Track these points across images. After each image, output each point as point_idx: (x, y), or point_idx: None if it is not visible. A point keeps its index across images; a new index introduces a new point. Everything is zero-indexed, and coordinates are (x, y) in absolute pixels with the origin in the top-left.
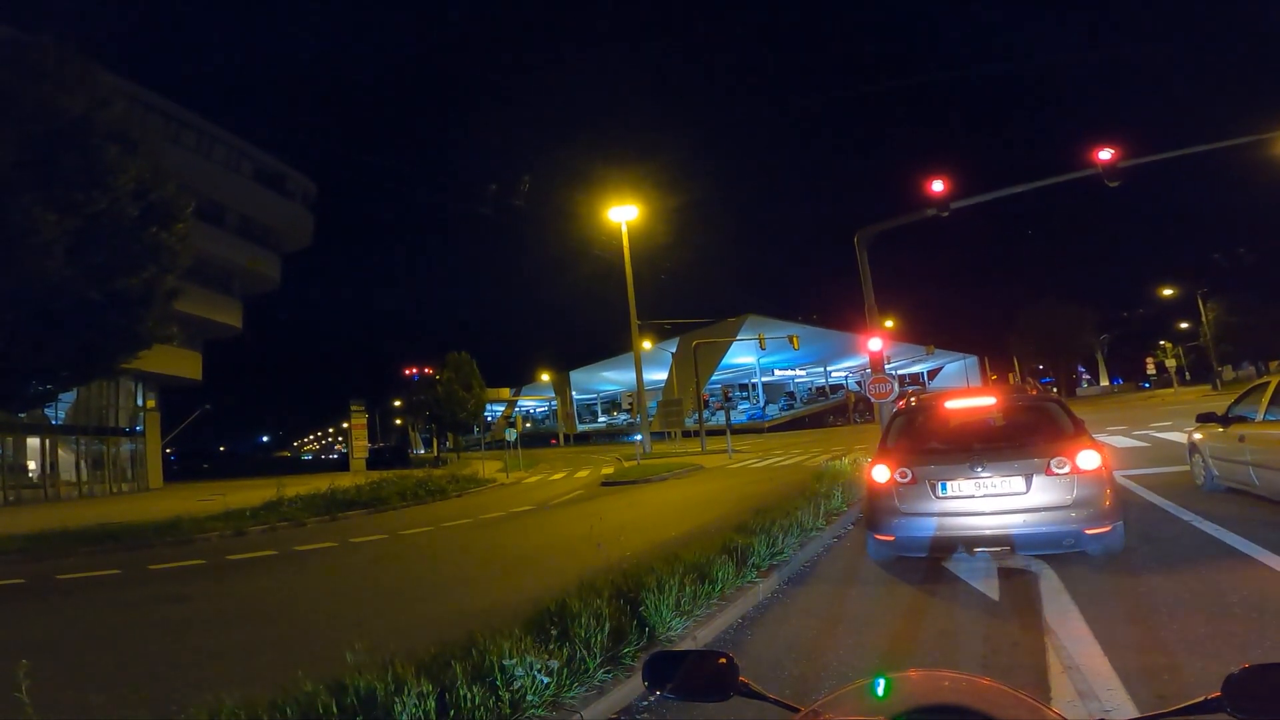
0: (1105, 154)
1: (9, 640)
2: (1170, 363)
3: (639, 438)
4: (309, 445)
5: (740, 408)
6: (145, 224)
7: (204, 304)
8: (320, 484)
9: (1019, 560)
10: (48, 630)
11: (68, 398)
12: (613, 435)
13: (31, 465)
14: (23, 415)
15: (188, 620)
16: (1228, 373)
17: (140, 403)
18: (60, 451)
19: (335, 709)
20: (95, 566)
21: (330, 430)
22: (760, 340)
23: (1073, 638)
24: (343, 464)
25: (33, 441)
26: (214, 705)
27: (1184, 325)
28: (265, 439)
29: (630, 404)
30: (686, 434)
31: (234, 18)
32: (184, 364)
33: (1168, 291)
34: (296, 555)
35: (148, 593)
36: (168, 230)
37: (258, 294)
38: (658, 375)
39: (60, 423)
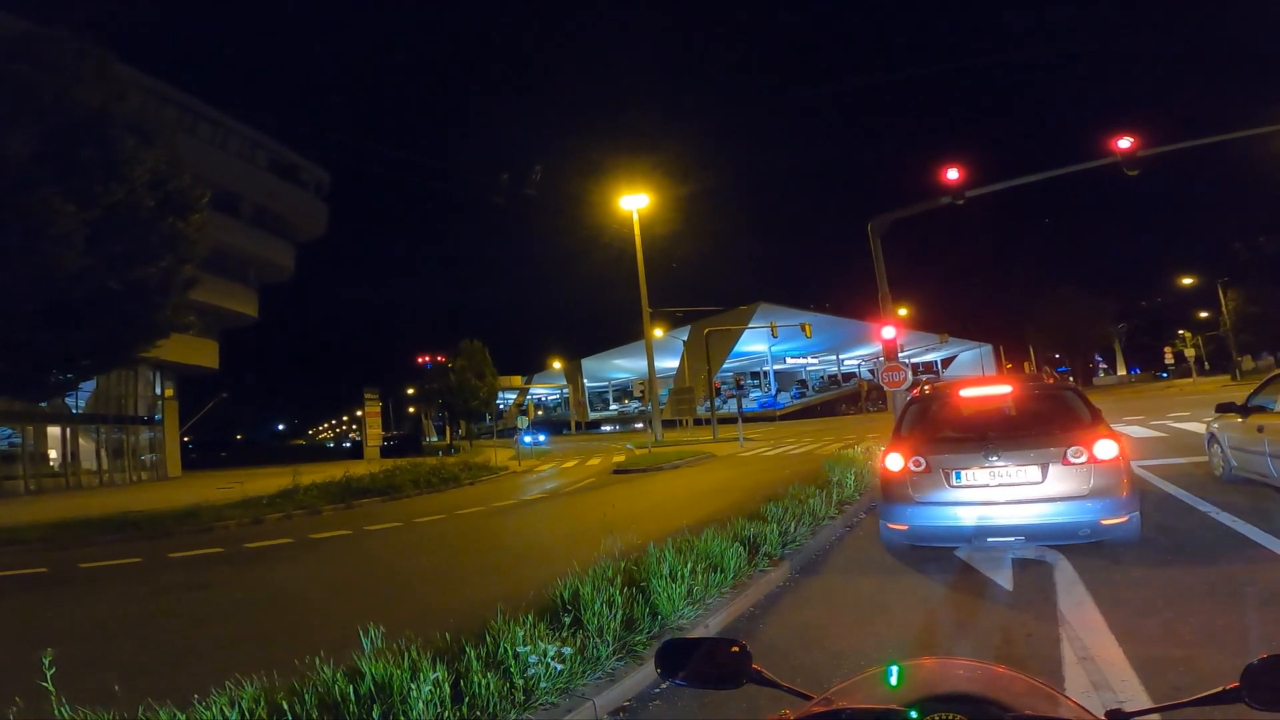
0: (1124, 142)
1: (33, 628)
2: (1189, 352)
3: (639, 425)
4: (324, 433)
5: (752, 395)
6: (162, 214)
7: (220, 293)
8: (335, 471)
9: (1033, 550)
10: (71, 618)
11: (88, 387)
12: (625, 423)
13: (53, 454)
14: (44, 404)
15: (207, 608)
16: (1247, 363)
17: (159, 391)
18: (81, 440)
19: (352, 695)
20: (116, 555)
21: (345, 418)
22: (772, 328)
23: (1087, 628)
24: (356, 452)
25: (54, 430)
26: (234, 692)
27: (1203, 315)
28: (281, 427)
29: (642, 392)
30: (698, 422)
31: (247, 8)
32: (201, 353)
33: (1187, 280)
34: (313, 543)
35: (168, 580)
36: (184, 220)
37: (273, 283)
38: (669, 363)
39: (80, 412)
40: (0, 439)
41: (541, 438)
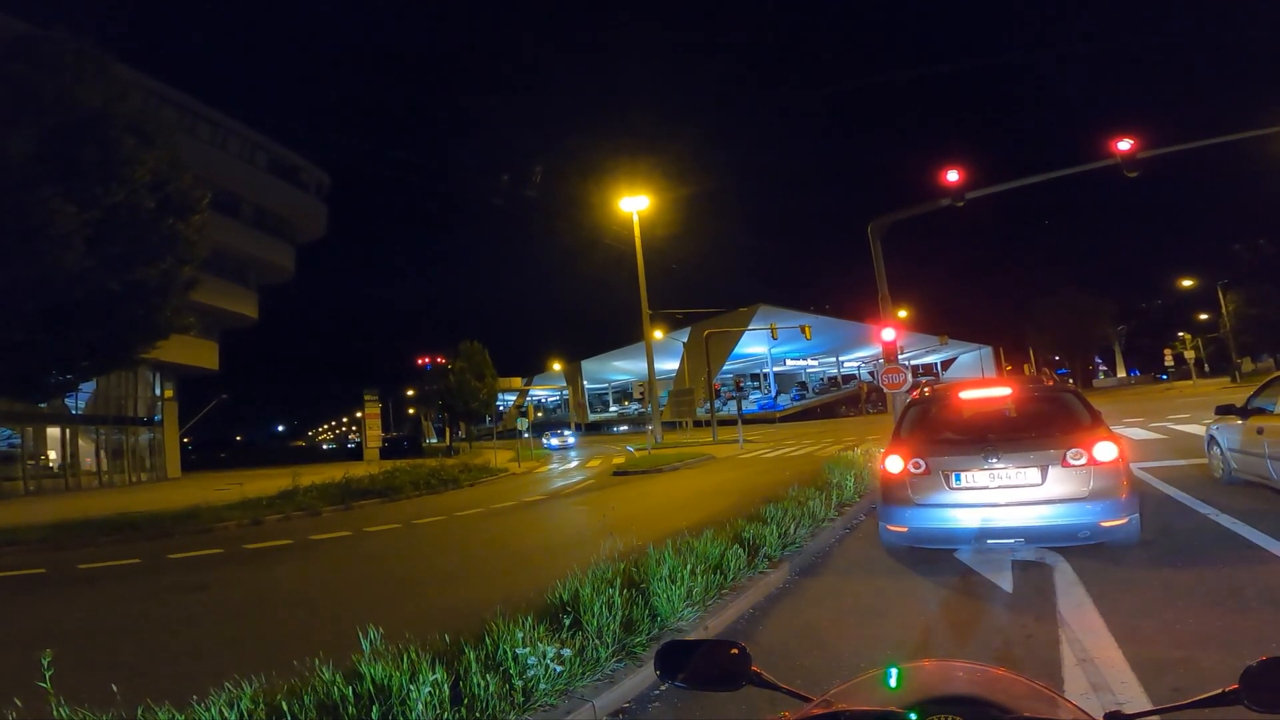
0: (1124, 144)
1: (32, 629)
2: (1189, 354)
3: (650, 428)
4: (324, 434)
5: (752, 397)
6: (162, 215)
7: (220, 294)
8: (335, 473)
9: (1033, 552)
10: (70, 619)
11: (87, 388)
12: (625, 424)
13: (52, 455)
14: (44, 405)
15: (207, 609)
16: (1247, 365)
17: (158, 393)
18: (80, 441)
19: (351, 697)
20: (116, 556)
21: (345, 420)
22: (772, 330)
23: (1087, 630)
24: (355, 453)
25: (53, 431)
26: (233, 692)
27: (1203, 317)
28: (281, 428)
29: (642, 393)
30: (698, 424)
31: (248, 9)
32: (201, 354)
33: (1187, 282)
34: (312, 544)
35: (167, 582)
36: (184, 221)
37: (273, 284)
38: (669, 365)
39: (80, 413)
40: (0, 440)
41: (570, 439)
